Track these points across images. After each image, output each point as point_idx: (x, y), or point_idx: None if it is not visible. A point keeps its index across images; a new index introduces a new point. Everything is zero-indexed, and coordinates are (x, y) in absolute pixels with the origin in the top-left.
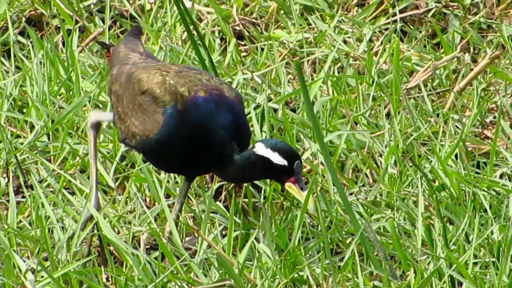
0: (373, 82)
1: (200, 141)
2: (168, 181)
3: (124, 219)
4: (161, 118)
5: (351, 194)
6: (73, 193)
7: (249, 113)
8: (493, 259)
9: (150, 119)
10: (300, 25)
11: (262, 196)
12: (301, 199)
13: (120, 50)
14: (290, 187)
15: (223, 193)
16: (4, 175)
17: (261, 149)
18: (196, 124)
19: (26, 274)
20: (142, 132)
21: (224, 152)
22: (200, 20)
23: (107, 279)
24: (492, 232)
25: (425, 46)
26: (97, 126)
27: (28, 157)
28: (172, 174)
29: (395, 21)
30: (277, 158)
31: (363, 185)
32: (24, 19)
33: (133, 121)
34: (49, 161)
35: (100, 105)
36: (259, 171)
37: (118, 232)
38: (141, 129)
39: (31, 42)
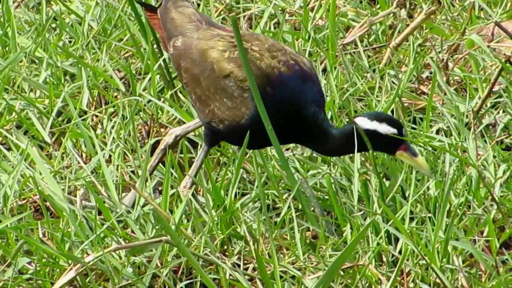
0: (309, 37)
1: (292, 118)
2: (104, 137)
3: (60, 174)
4: (251, 103)
5: (287, 149)
6: (9, 149)
7: None
8: (430, 215)
9: (239, 105)
10: None
11: (198, 151)
12: (415, 165)
13: (174, 17)
14: (402, 155)
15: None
16: None
17: (366, 123)
18: (286, 102)
19: None
20: (231, 118)
21: (317, 125)
22: None
23: (43, 234)
24: (428, 188)
25: (361, 2)
26: (176, 144)
27: None
28: None
29: None
30: (386, 128)
31: None
32: None
33: (217, 105)
34: None
35: (37, 61)
36: (367, 146)
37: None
38: (229, 115)
39: None
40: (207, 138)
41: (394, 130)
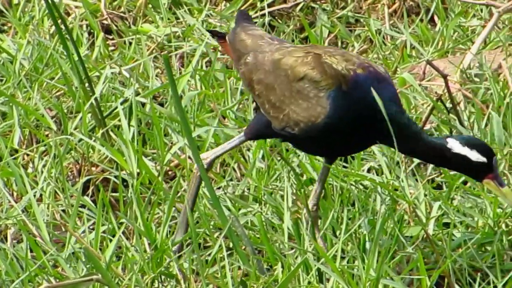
0: None
1: (369, 118)
2: (35, 175)
3: None
4: (327, 102)
5: (219, 188)
6: None
7: (116, 107)
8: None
9: (314, 105)
10: (168, 19)
11: (130, 191)
12: (501, 195)
13: (244, 38)
14: (488, 183)
15: (91, 188)
16: None
17: (456, 147)
18: (363, 102)
19: None
20: (307, 119)
21: (405, 125)
22: (68, 14)
23: None
24: (360, 226)
25: (293, 40)
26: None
27: None
28: None
29: (264, 15)
30: (476, 156)
31: (231, 179)
32: None
33: (293, 108)
34: None
35: None
36: (452, 166)
37: None
38: (305, 116)
39: None
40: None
41: (484, 159)
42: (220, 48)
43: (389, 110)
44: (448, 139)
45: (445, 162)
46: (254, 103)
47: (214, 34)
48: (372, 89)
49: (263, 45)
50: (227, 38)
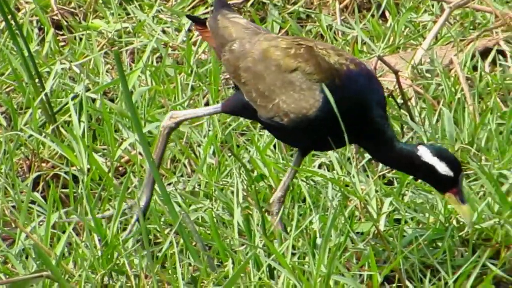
0: (192, 72)
1: (357, 116)
2: None
3: None
4: (320, 94)
5: (169, 184)
6: None
7: (66, 103)
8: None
9: (307, 97)
10: (119, 14)
11: (80, 187)
12: (460, 212)
13: (228, 25)
14: (450, 197)
15: (41, 184)
16: None
17: (426, 155)
18: (354, 98)
19: None
20: (298, 111)
21: (383, 131)
22: (18, 9)
23: None
24: (311, 222)
25: None
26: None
27: None
28: None
29: None
30: (444, 169)
31: (182, 176)
32: None
33: (283, 99)
34: None
35: None
36: (420, 174)
37: None
38: (296, 107)
39: None
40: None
41: (451, 173)
42: (196, 34)
43: (377, 112)
44: (419, 147)
45: (414, 170)
46: (234, 87)
47: (193, 19)
48: (364, 87)
49: (248, 33)
50: (207, 24)
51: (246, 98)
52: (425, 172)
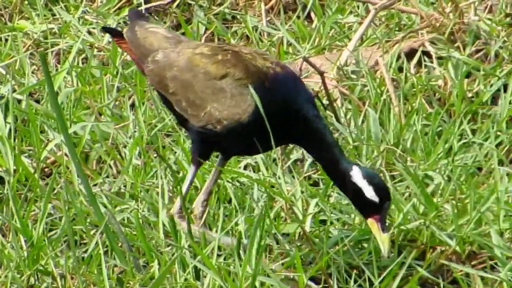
0: (117, 73)
1: (290, 117)
2: None
3: None
4: (251, 99)
5: (95, 185)
6: None
7: None
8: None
9: (238, 102)
10: (45, 15)
11: (6, 187)
12: (379, 240)
13: (148, 36)
14: (372, 224)
15: None
16: None
17: (357, 177)
18: (285, 100)
19: None
20: (231, 117)
21: (318, 127)
22: None
23: None
24: (236, 223)
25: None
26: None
27: None
28: None
29: None
30: (371, 193)
31: (108, 176)
32: None
33: (215, 106)
34: None
35: None
36: (347, 191)
37: None
38: (229, 114)
39: None
40: (197, 152)
41: (377, 200)
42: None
43: (309, 112)
44: (354, 167)
45: (343, 186)
46: (162, 100)
47: (109, 31)
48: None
49: (171, 42)
50: (125, 36)
51: (176, 109)
52: (353, 193)
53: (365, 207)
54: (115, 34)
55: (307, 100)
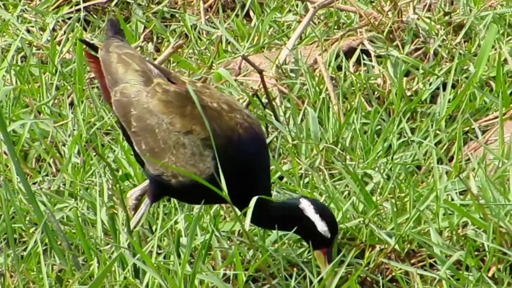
0: (56, 71)
1: (246, 182)
2: None
3: None
4: (211, 162)
5: (34, 183)
6: None
7: None
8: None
9: (197, 162)
10: None
11: None
12: (323, 271)
13: (120, 63)
14: (319, 256)
15: None
16: None
17: (309, 210)
18: (245, 165)
19: None
20: (187, 175)
21: (264, 201)
22: None
23: None
24: (176, 222)
25: None
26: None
27: None
28: None
29: (79, 10)
30: (323, 228)
31: (47, 175)
32: None
33: (173, 160)
34: None
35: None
36: (297, 227)
37: None
38: (186, 171)
39: None
40: (153, 192)
41: (329, 235)
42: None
43: (260, 179)
44: (302, 199)
45: (295, 222)
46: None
47: (88, 45)
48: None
49: (142, 77)
50: (99, 55)
51: (135, 147)
52: (304, 226)
53: (316, 241)
54: (91, 47)
55: (264, 169)
